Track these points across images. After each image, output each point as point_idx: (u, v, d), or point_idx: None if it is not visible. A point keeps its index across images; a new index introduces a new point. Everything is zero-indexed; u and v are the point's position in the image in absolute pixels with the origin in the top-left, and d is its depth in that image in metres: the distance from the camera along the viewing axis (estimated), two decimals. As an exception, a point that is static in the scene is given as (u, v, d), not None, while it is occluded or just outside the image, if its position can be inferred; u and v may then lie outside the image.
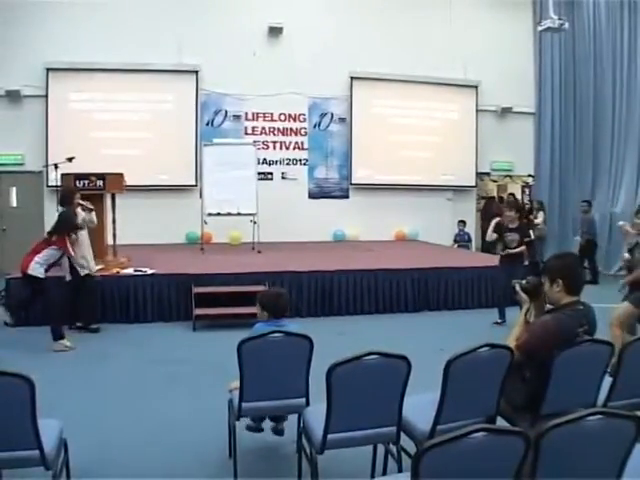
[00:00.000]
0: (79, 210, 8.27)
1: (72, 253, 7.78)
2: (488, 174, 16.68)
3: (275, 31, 14.69)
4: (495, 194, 16.74)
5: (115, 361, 7.09)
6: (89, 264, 8.38)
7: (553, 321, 3.62)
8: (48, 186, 13.29)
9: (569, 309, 3.61)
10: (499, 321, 8.88)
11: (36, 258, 7.48)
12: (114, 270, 9.38)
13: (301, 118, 15.25)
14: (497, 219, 9.12)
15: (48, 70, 13.77)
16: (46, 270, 7.53)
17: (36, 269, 7.45)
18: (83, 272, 8.27)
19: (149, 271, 9.22)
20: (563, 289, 3.63)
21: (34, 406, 3.17)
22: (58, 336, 7.50)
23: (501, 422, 3.72)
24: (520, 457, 2.36)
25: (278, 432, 4.43)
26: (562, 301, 3.64)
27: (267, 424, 4.43)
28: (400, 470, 3.58)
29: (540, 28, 13.81)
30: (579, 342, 3.54)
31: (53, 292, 7.81)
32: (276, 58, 14.62)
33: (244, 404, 3.95)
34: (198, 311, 8.74)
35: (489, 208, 15.54)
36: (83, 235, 8.27)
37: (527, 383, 3.65)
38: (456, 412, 3.50)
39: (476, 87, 15.91)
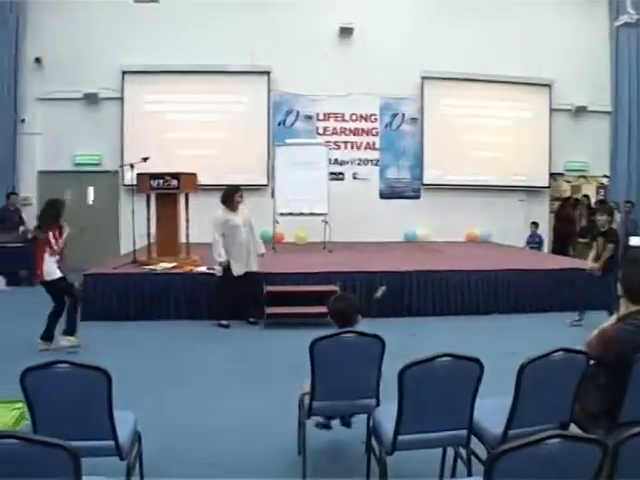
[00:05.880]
0: None
1: (55, 248, 7.32)
2: (562, 174, 16.30)
3: (346, 32, 14.72)
4: (569, 195, 16.35)
5: (187, 357, 7.22)
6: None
7: (611, 332, 3.54)
8: (124, 185, 13.64)
9: (631, 319, 3.51)
10: (578, 318, 8.71)
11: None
12: (187, 268, 9.54)
13: (372, 118, 15.23)
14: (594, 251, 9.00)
15: (124, 73, 14.18)
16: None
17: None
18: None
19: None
20: (625, 296, 3.55)
21: (110, 398, 3.26)
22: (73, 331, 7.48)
23: (574, 429, 3.63)
24: (596, 466, 2.30)
25: (346, 424, 4.41)
26: (628, 309, 3.55)
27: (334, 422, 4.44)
28: (470, 474, 3.53)
29: (617, 24, 13.37)
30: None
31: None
32: (347, 59, 14.67)
33: (315, 403, 3.95)
34: (270, 310, 8.81)
35: (564, 210, 15.24)
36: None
37: (603, 390, 3.55)
38: (528, 417, 3.43)
39: (549, 86, 15.56)
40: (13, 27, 13.91)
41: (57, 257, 7.33)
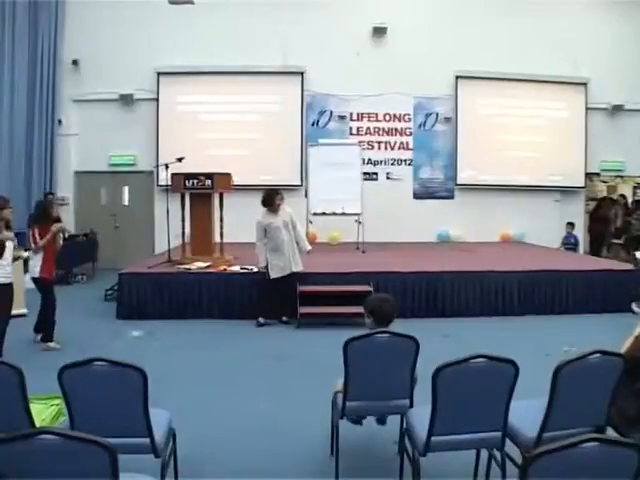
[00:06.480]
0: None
1: (32, 246, 7.49)
2: (598, 174, 16.07)
3: (379, 31, 14.69)
4: (605, 195, 16.12)
5: (220, 356, 7.25)
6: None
7: None
8: (158, 185, 13.74)
9: None
10: None
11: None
12: (221, 267, 9.58)
13: (406, 118, 15.17)
14: None
15: (159, 74, 14.33)
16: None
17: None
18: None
19: (255, 269, 9.35)
20: None
21: (146, 396, 3.29)
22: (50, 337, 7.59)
23: (611, 433, 3.58)
24: (634, 470, 2.27)
25: (381, 422, 4.40)
26: None
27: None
28: (504, 477, 3.51)
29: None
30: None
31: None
32: (380, 58, 14.63)
33: (348, 403, 3.95)
34: (302, 309, 8.82)
35: (600, 210, 15.03)
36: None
37: (639, 395, 3.50)
38: (563, 420, 3.39)
39: (585, 84, 15.36)
40: (51, 30, 14.14)
41: (40, 254, 7.46)
